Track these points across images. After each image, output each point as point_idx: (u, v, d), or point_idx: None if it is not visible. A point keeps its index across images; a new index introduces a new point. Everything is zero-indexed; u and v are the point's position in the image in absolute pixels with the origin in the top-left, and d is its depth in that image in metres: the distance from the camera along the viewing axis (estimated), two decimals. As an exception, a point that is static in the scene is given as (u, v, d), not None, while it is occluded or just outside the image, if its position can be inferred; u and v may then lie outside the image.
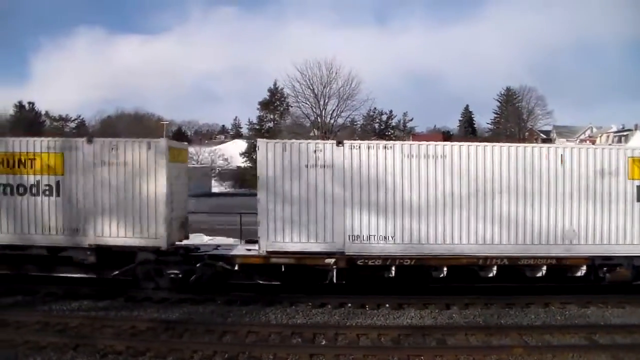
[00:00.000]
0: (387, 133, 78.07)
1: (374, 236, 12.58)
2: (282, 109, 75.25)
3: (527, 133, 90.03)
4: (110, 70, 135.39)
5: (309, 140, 13.15)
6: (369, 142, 12.93)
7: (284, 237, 12.63)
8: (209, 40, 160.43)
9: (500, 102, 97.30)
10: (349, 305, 12.59)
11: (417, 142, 12.92)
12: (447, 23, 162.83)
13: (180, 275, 12.99)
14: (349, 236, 12.58)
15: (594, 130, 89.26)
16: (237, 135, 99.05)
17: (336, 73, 67.80)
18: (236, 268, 13.09)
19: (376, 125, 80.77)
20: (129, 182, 12.81)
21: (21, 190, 13.07)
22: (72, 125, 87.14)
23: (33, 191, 13.04)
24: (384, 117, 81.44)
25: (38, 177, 13.03)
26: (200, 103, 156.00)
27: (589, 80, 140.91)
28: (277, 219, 12.61)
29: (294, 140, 13.58)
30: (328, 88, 68.36)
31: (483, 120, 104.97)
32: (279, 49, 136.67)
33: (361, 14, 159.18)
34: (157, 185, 12.79)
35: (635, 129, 76.56)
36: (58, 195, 12.99)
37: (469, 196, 12.62)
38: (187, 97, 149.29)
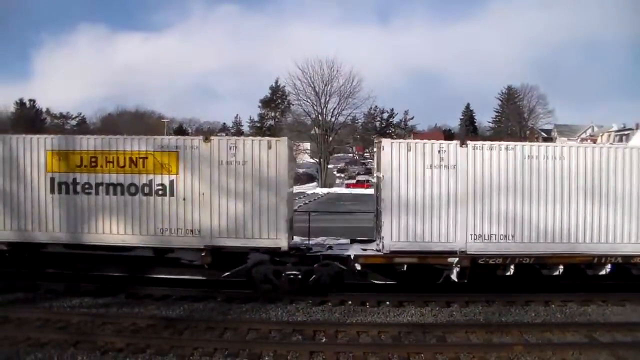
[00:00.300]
0: (388, 131, 78.15)
1: (495, 235, 12.69)
2: (283, 106, 75.51)
3: (528, 132, 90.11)
4: (111, 67, 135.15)
5: (433, 141, 13.16)
6: (491, 142, 13.13)
7: (408, 237, 12.66)
8: (211, 37, 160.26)
9: (501, 101, 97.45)
10: (349, 302, 12.62)
11: (537, 144, 13.20)
12: (449, 21, 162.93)
13: (299, 276, 12.87)
14: (471, 235, 12.66)
15: (595, 129, 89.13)
16: (238, 133, 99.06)
17: (337, 71, 68.21)
18: (358, 268, 13.02)
19: (377, 124, 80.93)
20: (249, 182, 12.59)
21: (132, 190, 12.88)
22: (73, 122, 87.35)
23: (145, 191, 12.84)
24: (385, 115, 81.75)
25: (151, 177, 12.88)
26: (201, 101, 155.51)
27: (591, 79, 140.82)
28: (401, 218, 12.62)
29: (418, 140, 13.57)
30: (329, 86, 68.84)
31: (484, 118, 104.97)
32: (280, 47, 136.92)
33: (363, 12, 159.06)
34: (277, 184, 12.65)
35: (636, 128, 76.34)
36: (172, 195, 12.82)
37: (585, 195, 12.78)
38: (188, 95, 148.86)
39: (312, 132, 73.31)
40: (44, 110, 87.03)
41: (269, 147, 12.61)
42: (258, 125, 76.39)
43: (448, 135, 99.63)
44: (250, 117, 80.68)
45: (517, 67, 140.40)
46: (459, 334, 10.39)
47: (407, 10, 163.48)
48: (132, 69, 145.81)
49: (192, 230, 12.72)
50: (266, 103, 76.34)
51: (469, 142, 12.94)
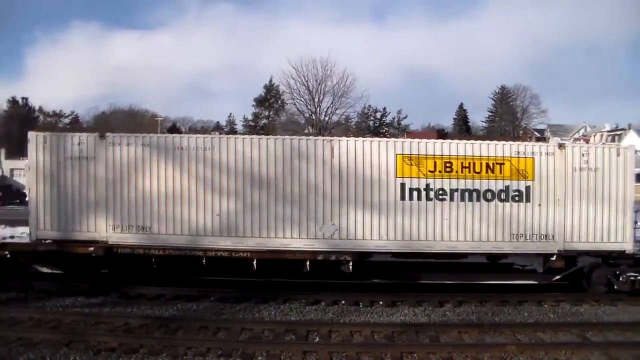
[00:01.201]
0: (381, 130, 78.20)
1: None
2: (277, 105, 75.16)
3: (521, 132, 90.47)
4: (105, 65, 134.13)
5: None
6: None
7: None
8: (205, 36, 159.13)
9: (494, 101, 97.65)
10: (343, 302, 12.63)
11: None
12: (443, 20, 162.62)
13: (639, 278, 13.13)
14: None
15: (588, 129, 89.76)
16: (232, 132, 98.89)
17: (331, 70, 67.98)
18: None
19: (370, 123, 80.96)
20: (599, 187, 13.08)
21: (489, 196, 13.02)
22: (66, 121, 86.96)
23: (502, 197, 13.01)
24: (378, 115, 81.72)
25: (507, 183, 13.03)
26: (194, 99, 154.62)
27: (584, 79, 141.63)
28: None
29: None
30: (323, 85, 68.53)
31: (477, 118, 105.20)
32: (274, 45, 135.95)
33: (357, 10, 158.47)
34: (625, 190, 13.11)
35: (629, 128, 77.00)
36: (528, 201, 13.02)
37: None
38: (182, 93, 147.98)
39: (306, 131, 73.28)
40: (36, 108, 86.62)
41: (618, 155, 13.15)
42: (252, 124, 76.15)
43: (442, 134, 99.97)
44: (244, 116, 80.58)
45: (511, 67, 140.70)
46: (452, 334, 10.42)
47: (403, 8, 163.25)
48: (126, 67, 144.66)
49: (546, 236, 13.03)
50: (260, 102, 76.13)
51: None
